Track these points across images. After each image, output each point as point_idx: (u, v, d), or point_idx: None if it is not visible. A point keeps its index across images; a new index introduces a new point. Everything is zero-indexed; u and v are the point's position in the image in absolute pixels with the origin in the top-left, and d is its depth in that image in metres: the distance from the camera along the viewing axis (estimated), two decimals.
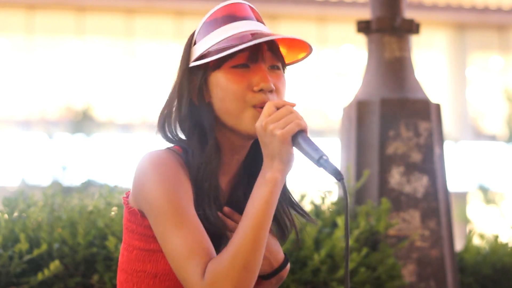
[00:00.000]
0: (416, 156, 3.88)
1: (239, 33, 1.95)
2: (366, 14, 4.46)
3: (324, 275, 3.45)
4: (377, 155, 3.86)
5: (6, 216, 3.25)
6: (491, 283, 4.13)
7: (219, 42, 1.95)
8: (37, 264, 3.22)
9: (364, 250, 3.48)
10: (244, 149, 2.02)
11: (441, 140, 3.99)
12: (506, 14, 19.39)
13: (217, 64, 1.95)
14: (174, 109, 2.01)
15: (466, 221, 15.62)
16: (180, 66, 2.02)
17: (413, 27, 4.07)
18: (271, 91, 1.94)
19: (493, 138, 18.45)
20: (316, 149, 1.86)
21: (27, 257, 3.16)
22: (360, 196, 3.85)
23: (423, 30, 4.31)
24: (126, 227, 1.98)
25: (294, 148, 1.87)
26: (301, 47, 2.04)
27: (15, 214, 3.27)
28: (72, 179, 13.92)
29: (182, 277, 1.84)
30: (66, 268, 3.24)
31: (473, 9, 19.22)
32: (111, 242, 3.17)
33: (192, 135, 1.98)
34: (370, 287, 3.52)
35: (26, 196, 3.37)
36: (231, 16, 1.98)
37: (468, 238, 4.28)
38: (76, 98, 17.20)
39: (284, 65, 2.03)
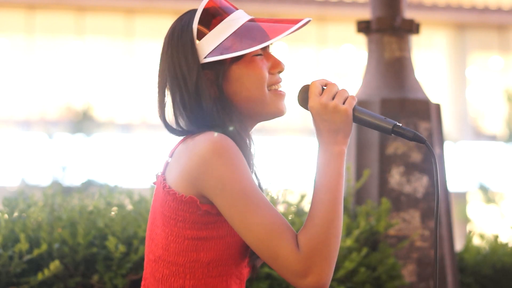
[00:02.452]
0: (416, 156, 3.88)
1: (246, 23, 2.02)
2: (366, 14, 4.46)
3: None
4: (377, 155, 3.86)
5: (6, 216, 3.25)
6: (491, 283, 4.13)
7: (233, 33, 2.00)
8: (37, 264, 3.22)
9: (364, 250, 3.48)
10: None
11: (441, 140, 3.99)
12: (506, 14, 19.38)
13: (239, 56, 2.01)
14: (186, 103, 2.00)
15: (466, 221, 15.62)
16: (183, 65, 2.01)
17: (413, 27, 4.06)
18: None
19: (493, 138, 18.44)
20: (384, 118, 1.96)
21: (27, 257, 3.16)
22: (360, 196, 3.85)
23: (423, 30, 4.31)
24: (173, 217, 1.95)
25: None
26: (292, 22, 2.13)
27: (15, 214, 3.28)
28: (72, 179, 13.92)
29: (274, 255, 1.88)
30: (66, 268, 3.24)
31: (473, 9, 19.22)
32: (111, 242, 3.17)
33: (230, 126, 2.00)
34: (370, 287, 3.52)
35: (26, 196, 3.37)
36: (221, 8, 2.05)
37: (468, 238, 4.28)
38: (76, 98, 17.20)
39: None
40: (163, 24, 19.19)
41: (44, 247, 3.15)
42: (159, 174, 2.02)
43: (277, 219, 1.89)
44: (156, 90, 2.06)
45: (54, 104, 17.55)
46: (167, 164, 2.01)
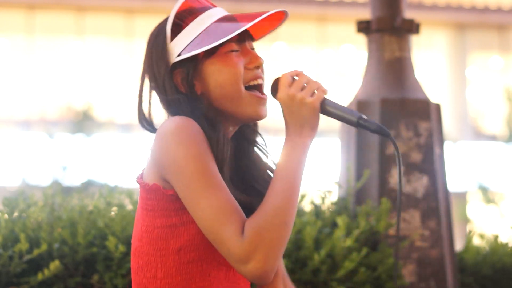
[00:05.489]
0: (416, 156, 3.88)
1: (220, 18, 2.02)
2: (366, 14, 4.46)
3: (324, 275, 3.45)
4: (377, 155, 3.86)
5: (6, 216, 3.25)
6: (491, 283, 4.13)
7: (205, 30, 2.00)
8: (37, 264, 3.22)
9: (364, 250, 3.48)
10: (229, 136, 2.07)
11: (441, 140, 3.99)
12: (506, 14, 19.39)
13: (211, 52, 1.99)
14: (161, 104, 2.04)
15: (466, 221, 15.62)
16: (156, 65, 2.05)
17: (413, 27, 4.06)
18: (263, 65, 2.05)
19: (493, 138, 18.45)
20: (351, 111, 1.95)
21: (27, 257, 3.16)
22: (360, 196, 3.85)
23: (423, 30, 4.31)
24: (145, 208, 1.97)
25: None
26: (274, 19, 2.11)
27: (15, 214, 3.27)
28: (72, 179, 13.92)
29: (219, 239, 1.86)
30: (66, 268, 3.24)
31: (473, 9, 19.23)
32: (111, 242, 3.17)
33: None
34: (370, 287, 3.52)
35: (26, 196, 3.37)
36: (196, 8, 2.05)
37: (468, 238, 4.28)
38: (76, 98, 17.20)
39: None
40: None
41: (44, 247, 3.15)
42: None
43: (227, 203, 1.87)
44: (138, 90, 2.09)
45: (54, 104, 17.55)
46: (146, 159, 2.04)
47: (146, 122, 2.06)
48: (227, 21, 2.00)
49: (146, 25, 18.54)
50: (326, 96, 1.95)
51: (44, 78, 17.96)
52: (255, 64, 2.01)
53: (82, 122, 14.74)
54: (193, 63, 2.00)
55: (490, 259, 4.15)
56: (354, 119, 1.94)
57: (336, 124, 3.84)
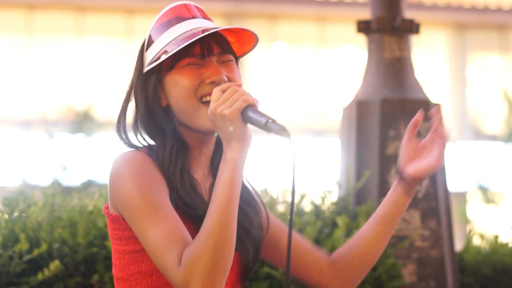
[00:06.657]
0: None
1: (186, 32, 1.99)
2: (366, 14, 4.46)
3: None
4: (377, 155, 3.86)
5: (6, 216, 3.25)
6: (491, 283, 4.13)
7: (167, 44, 1.99)
8: (37, 264, 3.22)
9: None
10: (209, 143, 2.05)
11: None
12: (506, 14, 19.39)
13: (170, 65, 1.99)
14: (134, 114, 2.08)
15: (466, 221, 15.62)
16: (134, 73, 2.07)
17: (413, 27, 4.06)
18: (224, 82, 1.98)
19: (493, 138, 18.45)
20: (262, 115, 1.86)
21: (27, 257, 3.15)
22: (360, 196, 3.85)
23: (423, 30, 4.31)
24: (112, 236, 2.00)
25: (248, 124, 1.89)
26: (249, 36, 2.07)
27: (15, 214, 3.27)
28: (72, 179, 13.92)
29: (162, 269, 1.86)
30: (66, 268, 3.24)
31: (473, 9, 19.23)
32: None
33: (156, 137, 2.03)
34: (370, 287, 3.52)
35: (26, 196, 3.37)
36: (176, 17, 2.02)
37: (468, 238, 4.28)
38: (76, 98, 17.20)
39: (236, 57, 2.06)
40: None
41: (44, 247, 3.15)
42: None
43: (170, 233, 1.85)
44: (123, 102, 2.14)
45: (54, 104, 17.55)
46: None
47: (124, 135, 2.13)
48: (190, 35, 1.96)
49: (146, 25, 18.53)
50: (250, 106, 1.86)
51: (44, 78, 17.96)
52: (211, 79, 1.96)
53: (82, 122, 14.73)
54: (155, 76, 2.00)
55: (490, 259, 4.15)
56: (263, 122, 1.84)
57: (336, 124, 3.82)
